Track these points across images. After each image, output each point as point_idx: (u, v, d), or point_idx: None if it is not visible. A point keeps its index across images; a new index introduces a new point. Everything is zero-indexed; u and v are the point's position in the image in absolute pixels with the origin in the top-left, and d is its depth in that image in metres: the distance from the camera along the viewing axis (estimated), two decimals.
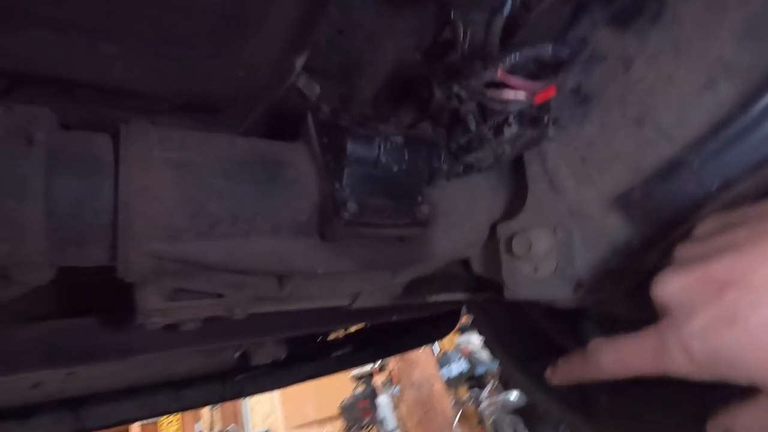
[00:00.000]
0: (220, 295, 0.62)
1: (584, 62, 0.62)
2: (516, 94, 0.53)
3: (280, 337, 1.12)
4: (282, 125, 0.84)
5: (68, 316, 0.74)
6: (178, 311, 0.59)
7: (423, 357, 4.55)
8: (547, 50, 0.51)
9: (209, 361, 1.47)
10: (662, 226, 0.56)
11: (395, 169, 0.64)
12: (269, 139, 0.66)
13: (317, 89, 0.96)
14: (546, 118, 0.61)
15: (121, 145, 0.51)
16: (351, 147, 0.59)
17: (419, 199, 0.68)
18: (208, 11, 0.38)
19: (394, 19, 0.93)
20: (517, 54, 0.50)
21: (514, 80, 0.53)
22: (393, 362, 4.95)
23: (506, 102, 0.55)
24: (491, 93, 0.55)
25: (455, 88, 0.58)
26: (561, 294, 0.68)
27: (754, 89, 0.48)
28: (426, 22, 0.94)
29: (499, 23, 0.67)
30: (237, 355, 1.43)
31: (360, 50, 0.98)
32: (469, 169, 0.72)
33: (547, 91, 0.52)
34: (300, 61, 0.51)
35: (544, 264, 0.68)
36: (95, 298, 0.75)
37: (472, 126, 0.62)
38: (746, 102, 0.48)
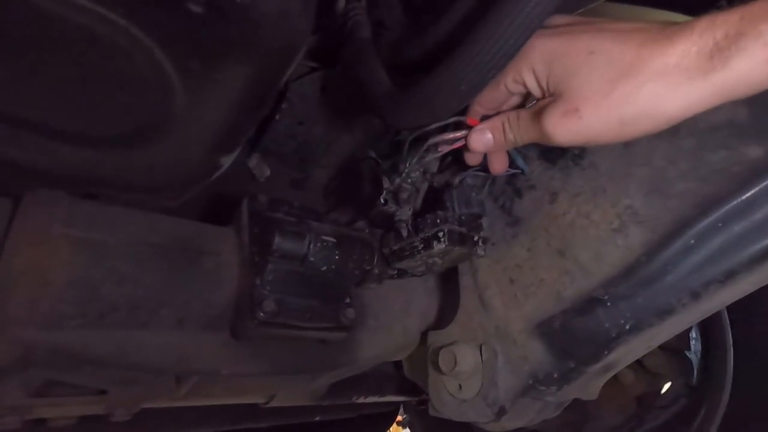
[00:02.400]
0: (103, 392, 0.54)
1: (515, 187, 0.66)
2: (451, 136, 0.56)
3: None
4: (224, 202, 0.82)
5: None
6: (43, 409, 0.51)
7: None
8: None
9: None
10: (578, 362, 0.56)
11: (323, 268, 0.62)
12: (199, 222, 0.63)
13: (267, 171, 0.96)
14: (476, 238, 0.62)
15: (17, 215, 0.46)
16: (278, 242, 0.57)
17: (347, 300, 0.66)
18: (122, 109, 0.37)
19: (351, 119, 0.98)
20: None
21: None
22: None
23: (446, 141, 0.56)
24: (432, 141, 0.58)
25: (397, 180, 0.60)
26: (483, 418, 0.64)
27: (658, 240, 0.51)
28: (383, 125, 0.99)
29: None
30: None
31: (317, 140, 1.01)
32: (402, 273, 0.71)
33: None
34: (228, 159, 0.51)
35: (469, 384, 0.65)
36: None
37: (404, 233, 0.62)
38: (652, 251, 0.51)
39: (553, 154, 0.65)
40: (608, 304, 0.53)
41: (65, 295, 0.47)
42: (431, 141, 0.58)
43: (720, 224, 0.48)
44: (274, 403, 0.82)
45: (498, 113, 0.53)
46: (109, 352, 0.50)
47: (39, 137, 0.38)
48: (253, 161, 0.94)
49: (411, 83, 0.55)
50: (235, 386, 0.65)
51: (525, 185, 0.67)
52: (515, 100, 0.55)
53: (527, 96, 0.53)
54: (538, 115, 0.46)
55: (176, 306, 0.54)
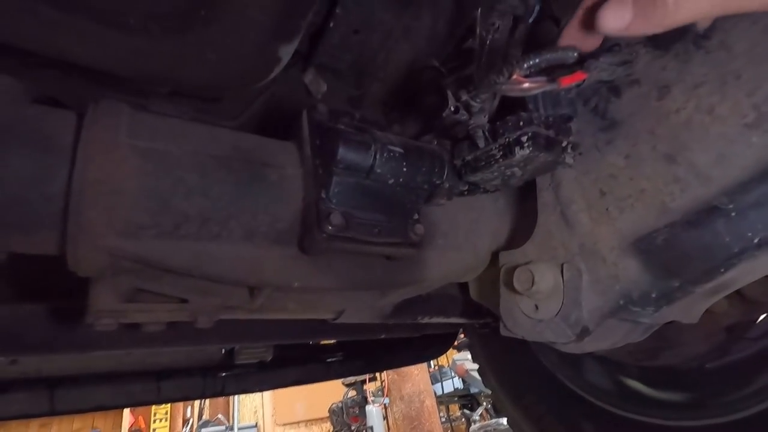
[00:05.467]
0: (184, 301, 0.56)
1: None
2: (536, 83, 0.46)
3: (253, 345, 1.06)
4: (282, 121, 0.79)
5: (29, 301, 0.69)
6: (134, 314, 0.54)
7: (416, 371, 4.45)
8: (571, 55, 0.43)
9: (194, 354, 1.42)
10: (685, 281, 0.49)
11: (391, 181, 0.58)
12: (259, 136, 0.61)
13: (324, 87, 0.90)
14: (564, 142, 0.54)
15: (84, 125, 0.45)
16: (342, 152, 0.53)
17: (415, 216, 0.62)
18: None
19: (412, 22, 0.87)
20: (537, 58, 0.44)
21: (528, 81, 0.45)
22: (386, 372, 4.87)
23: (526, 90, 0.47)
24: (508, 86, 0.47)
25: (464, 96, 0.52)
26: (563, 339, 0.60)
27: None
28: (446, 28, 0.88)
29: (521, 32, 0.60)
30: (223, 351, 1.38)
31: (374, 52, 0.92)
32: (474, 189, 0.66)
33: (575, 76, 0.44)
34: (286, 51, 0.46)
35: (547, 303, 0.61)
36: (60, 282, 0.70)
37: (481, 143, 0.56)
38: None
39: (665, 38, 0.53)
40: (732, 214, 0.45)
41: (139, 205, 0.47)
42: (493, 83, 0.47)
43: None
44: (342, 319, 0.84)
45: None
46: (185, 263, 0.51)
47: (85, 19, 0.35)
48: (309, 76, 0.88)
49: None
50: (306, 300, 0.66)
51: (625, 81, 0.56)
52: None
53: None
54: None
55: (245, 219, 0.53)
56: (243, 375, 1.49)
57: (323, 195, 0.54)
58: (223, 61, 0.43)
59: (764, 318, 1.02)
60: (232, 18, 0.36)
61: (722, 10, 0.35)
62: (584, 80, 0.45)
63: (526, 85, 0.46)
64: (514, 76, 0.47)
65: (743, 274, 0.49)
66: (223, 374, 1.47)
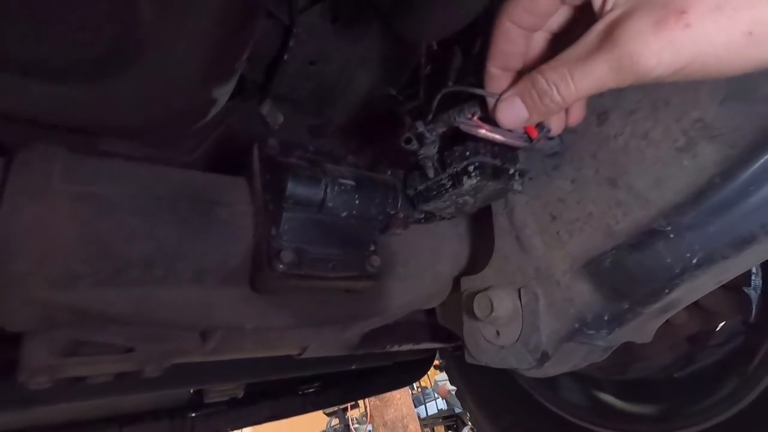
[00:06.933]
0: (130, 349, 0.53)
1: None
2: (492, 133, 0.47)
3: (215, 386, 1.01)
4: (239, 154, 0.78)
5: None
6: (74, 368, 0.50)
7: (398, 395, 4.37)
8: None
9: (159, 395, 1.34)
10: (633, 302, 0.50)
11: (344, 214, 0.57)
12: (208, 172, 0.59)
13: (281, 118, 0.90)
14: (511, 170, 0.55)
15: (11, 171, 0.43)
16: (291, 187, 0.52)
17: (371, 248, 0.61)
18: (84, 28, 0.32)
19: (367, 52, 0.89)
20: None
21: (487, 127, 0.47)
22: (367, 399, 4.75)
23: (482, 135, 0.48)
24: (466, 126, 0.48)
25: (420, 128, 0.52)
26: (524, 364, 0.60)
27: (738, 156, 0.43)
28: (400, 58, 0.90)
29: (468, 63, 0.62)
30: (192, 390, 1.31)
31: (333, 81, 0.93)
32: (430, 216, 0.66)
33: (530, 130, 0.46)
34: (222, 92, 0.45)
35: (507, 329, 0.61)
36: None
37: (430, 173, 0.56)
38: (729, 171, 0.43)
39: None
40: (671, 236, 0.46)
41: (75, 252, 0.45)
42: (453, 121, 0.49)
43: None
44: (307, 354, 0.82)
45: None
46: (129, 311, 0.49)
47: (3, 73, 0.33)
48: (266, 108, 0.88)
49: None
50: (264, 339, 0.64)
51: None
52: (540, 45, 0.43)
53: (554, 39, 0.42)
54: (607, 38, 0.32)
55: (192, 260, 0.51)
56: (214, 414, 1.41)
57: (274, 232, 0.53)
58: (151, 104, 0.42)
59: (722, 326, 1.05)
60: (155, 63, 0.35)
61: (615, 84, 0.36)
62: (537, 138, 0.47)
63: (483, 131, 0.47)
64: (474, 119, 0.48)
65: (687, 294, 0.51)
66: (193, 414, 1.39)
